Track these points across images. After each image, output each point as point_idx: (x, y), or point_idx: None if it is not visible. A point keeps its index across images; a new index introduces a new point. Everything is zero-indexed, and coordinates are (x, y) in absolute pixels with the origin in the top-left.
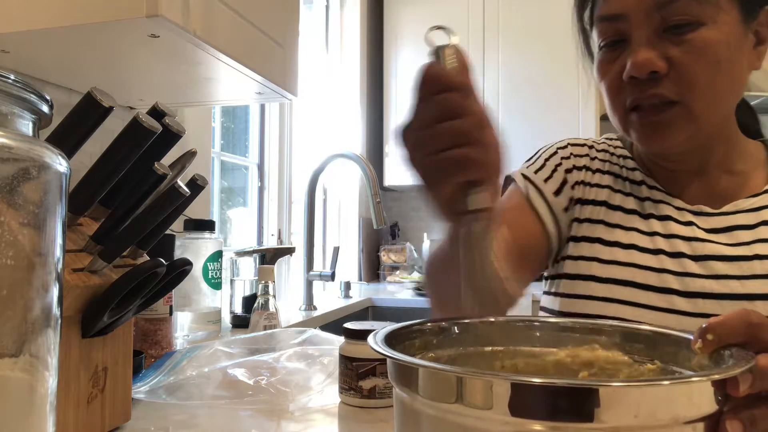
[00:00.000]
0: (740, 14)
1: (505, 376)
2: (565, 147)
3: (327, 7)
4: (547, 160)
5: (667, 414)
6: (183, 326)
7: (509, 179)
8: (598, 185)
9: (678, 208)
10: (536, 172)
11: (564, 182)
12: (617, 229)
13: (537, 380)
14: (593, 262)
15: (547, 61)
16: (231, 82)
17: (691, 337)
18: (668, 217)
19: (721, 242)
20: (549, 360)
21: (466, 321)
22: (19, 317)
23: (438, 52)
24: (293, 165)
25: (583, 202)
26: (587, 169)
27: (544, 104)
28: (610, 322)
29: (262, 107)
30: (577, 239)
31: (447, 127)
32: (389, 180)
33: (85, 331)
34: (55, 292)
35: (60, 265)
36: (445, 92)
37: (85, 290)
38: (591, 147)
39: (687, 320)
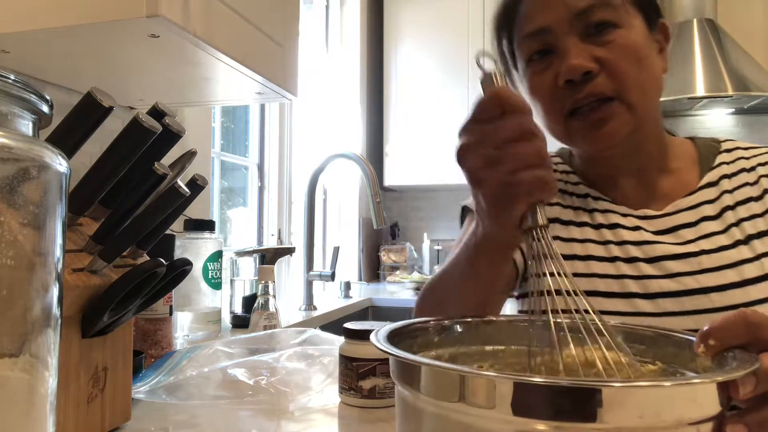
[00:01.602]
0: (644, 23)
1: (508, 375)
2: None
3: (327, 6)
4: None
5: (671, 415)
6: (183, 326)
7: (466, 209)
8: (548, 204)
9: (624, 215)
10: None
11: None
12: (573, 243)
13: (540, 380)
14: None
15: None
16: (231, 82)
17: (692, 338)
18: (617, 225)
19: (669, 242)
20: (549, 359)
21: (468, 320)
22: (19, 317)
23: (493, 76)
24: (293, 165)
25: None
26: None
27: None
28: (611, 322)
29: (262, 107)
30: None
31: (526, 148)
32: (389, 180)
33: (85, 331)
34: (55, 292)
35: (60, 265)
36: (516, 113)
37: (85, 290)
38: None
39: (651, 320)
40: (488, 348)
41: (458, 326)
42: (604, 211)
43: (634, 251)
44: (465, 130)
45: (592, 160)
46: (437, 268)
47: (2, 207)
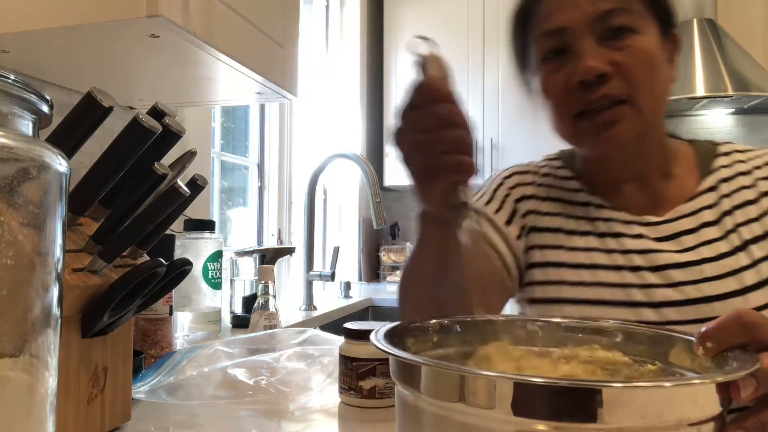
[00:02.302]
0: (659, 32)
1: (509, 375)
2: (510, 176)
3: (327, 6)
4: (495, 191)
5: (672, 416)
6: (183, 326)
7: None
8: (549, 213)
9: (626, 222)
10: (486, 204)
11: (514, 212)
12: (578, 252)
13: (540, 380)
14: (562, 286)
15: None
16: (231, 82)
17: (692, 338)
18: (620, 234)
19: (671, 250)
20: (549, 359)
21: (468, 320)
22: (20, 317)
23: (424, 61)
24: (293, 165)
25: (539, 230)
26: (535, 197)
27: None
28: (611, 322)
29: (262, 107)
30: (544, 265)
31: (447, 135)
32: (389, 180)
33: (85, 331)
34: (55, 292)
35: (60, 265)
36: (441, 102)
37: (85, 290)
38: (535, 173)
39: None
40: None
41: (458, 326)
42: (607, 220)
43: (638, 260)
44: (399, 115)
45: (596, 163)
46: None
47: (2, 207)
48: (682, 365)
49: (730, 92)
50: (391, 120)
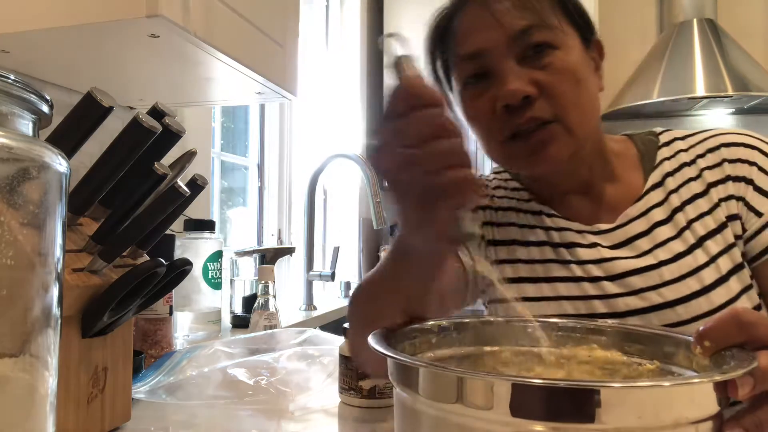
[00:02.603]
0: (580, 42)
1: (506, 376)
2: None
3: (327, 6)
4: None
5: (670, 415)
6: (183, 326)
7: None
8: (505, 224)
9: (579, 232)
10: None
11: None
12: (536, 265)
13: (538, 381)
14: (524, 302)
15: None
16: (231, 82)
17: (690, 338)
18: (573, 244)
19: (627, 256)
20: (550, 360)
21: (466, 321)
22: (20, 317)
23: (400, 62)
24: (293, 165)
25: (496, 243)
26: (490, 208)
27: None
28: (609, 322)
29: (262, 107)
30: (504, 281)
31: (440, 145)
32: None
33: (85, 331)
34: (55, 292)
35: (60, 265)
36: (428, 106)
37: (85, 290)
38: (486, 186)
39: None
40: (487, 349)
41: (456, 327)
42: (560, 229)
43: (596, 270)
44: (377, 130)
45: (537, 179)
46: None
47: (2, 207)
48: (681, 364)
49: (730, 92)
50: (368, 137)
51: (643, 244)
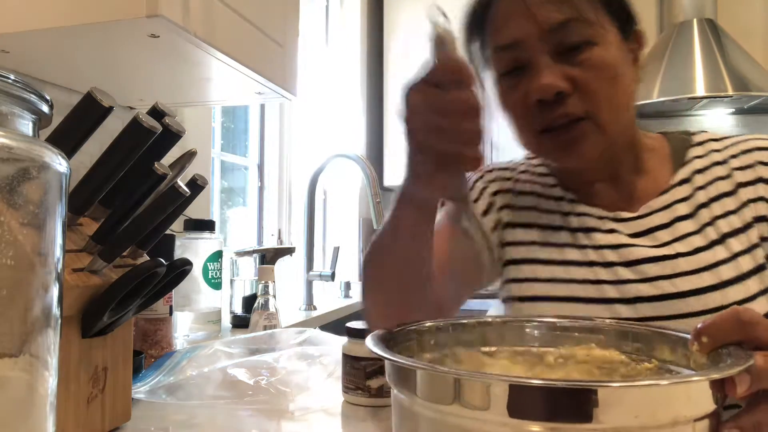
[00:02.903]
0: (619, 34)
1: (503, 377)
2: (490, 171)
3: (327, 6)
4: (474, 182)
5: (667, 414)
6: (183, 326)
7: None
8: (524, 207)
9: (599, 218)
10: None
11: (491, 204)
12: (551, 248)
13: (535, 381)
14: (535, 283)
15: None
16: (231, 81)
17: (688, 336)
18: (592, 229)
19: (645, 245)
20: (546, 360)
21: (463, 322)
22: (19, 317)
23: (442, 36)
24: (293, 165)
25: (514, 225)
26: (512, 192)
27: None
28: (607, 321)
29: (262, 107)
30: (518, 262)
31: (467, 124)
32: (389, 180)
33: (85, 331)
34: (55, 292)
35: (60, 265)
36: (465, 85)
37: (85, 290)
38: (513, 170)
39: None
40: (484, 349)
41: (453, 328)
42: (579, 215)
43: (611, 255)
44: (415, 90)
45: (566, 169)
46: None
47: (2, 207)
48: (678, 363)
49: (730, 92)
50: (402, 91)
51: (663, 235)
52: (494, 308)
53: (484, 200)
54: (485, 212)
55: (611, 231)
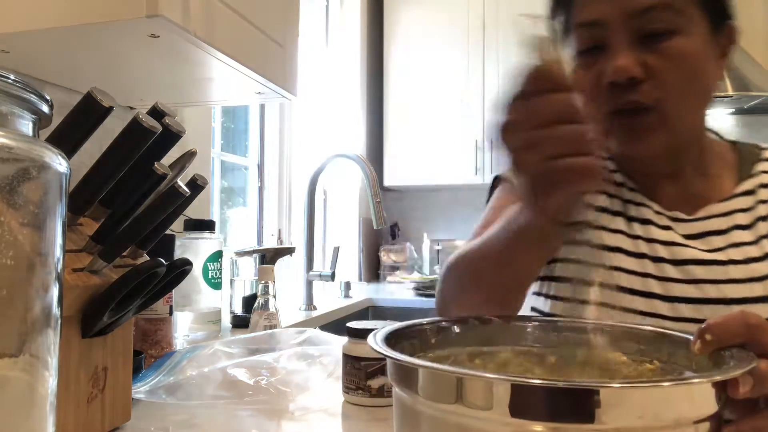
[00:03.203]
0: (709, 26)
1: (505, 376)
2: None
3: (327, 6)
4: None
5: (670, 415)
6: (183, 326)
7: (498, 179)
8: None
9: (657, 212)
10: None
11: None
12: (603, 232)
13: (537, 381)
14: (580, 265)
15: None
16: (231, 82)
17: (691, 337)
18: (649, 221)
19: (697, 248)
20: (547, 360)
21: (465, 321)
22: (19, 317)
23: (539, 43)
24: (293, 165)
25: None
26: None
27: None
28: (608, 321)
29: (262, 107)
30: (566, 242)
31: (567, 130)
32: (389, 180)
33: (85, 331)
34: (55, 292)
35: (60, 265)
36: (559, 91)
37: (85, 290)
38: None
39: (667, 324)
40: (485, 349)
41: (456, 327)
42: (638, 204)
43: (662, 251)
44: (510, 106)
45: (629, 157)
46: (438, 268)
47: (2, 207)
48: (681, 364)
49: (730, 92)
50: (494, 113)
51: (717, 241)
52: None
53: None
54: None
55: (666, 228)
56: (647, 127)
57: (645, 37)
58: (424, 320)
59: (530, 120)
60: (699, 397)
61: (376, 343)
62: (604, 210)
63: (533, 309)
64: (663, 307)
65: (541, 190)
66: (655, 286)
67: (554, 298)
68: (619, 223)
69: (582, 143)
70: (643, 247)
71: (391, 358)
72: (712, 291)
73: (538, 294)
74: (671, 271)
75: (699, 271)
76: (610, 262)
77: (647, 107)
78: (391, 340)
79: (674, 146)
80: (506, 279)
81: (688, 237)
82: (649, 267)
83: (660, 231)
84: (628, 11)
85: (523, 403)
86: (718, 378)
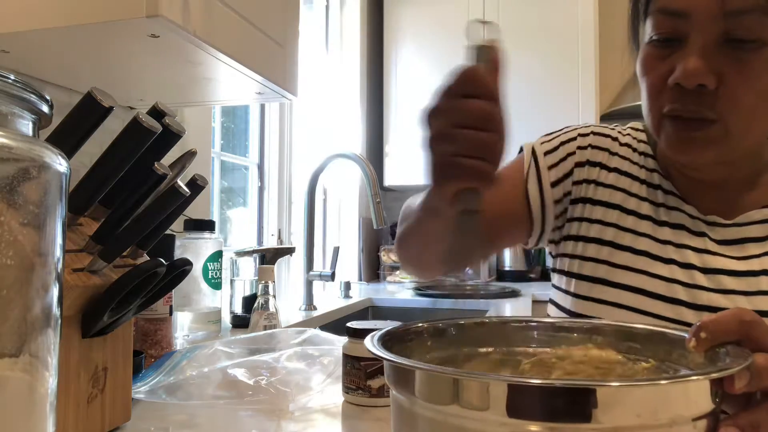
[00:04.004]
0: None
1: (502, 377)
2: (586, 135)
3: (327, 7)
4: (562, 143)
5: (668, 413)
6: (183, 326)
7: (520, 147)
8: (613, 186)
9: (692, 217)
10: (546, 153)
11: (568, 174)
12: (629, 234)
13: (534, 381)
14: (604, 266)
15: (547, 61)
16: (231, 82)
17: (685, 335)
18: (681, 226)
19: (731, 255)
20: (545, 360)
21: (462, 322)
22: (19, 317)
23: (478, 49)
24: (293, 165)
25: (594, 202)
26: (603, 167)
27: (544, 104)
28: (605, 321)
29: (262, 107)
30: (588, 240)
31: (475, 137)
32: (389, 180)
33: (85, 331)
34: (55, 292)
35: (60, 265)
36: (480, 98)
37: (85, 290)
38: (615, 139)
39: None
40: (482, 350)
41: (452, 329)
42: (672, 209)
43: (693, 258)
44: (438, 95)
45: (676, 161)
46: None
47: (2, 207)
48: (676, 362)
49: None
50: (429, 97)
51: (754, 248)
52: (494, 308)
53: (561, 168)
54: (555, 183)
55: (701, 234)
56: (705, 139)
57: (729, 41)
58: (421, 322)
59: (448, 116)
60: (696, 394)
61: (373, 345)
62: (632, 212)
63: (551, 301)
64: (689, 315)
65: (441, 176)
66: (681, 293)
67: (574, 295)
68: (647, 228)
69: (485, 150)
70: (671, 253)
71: (388, 360)
72: (742, 302)
73: (557, 288)
74: (701, 278)
75: (730, 282)
76: (635, 265)
77: (710, 119)
78: (388, 342)
79: (729, 159)
80: (429, 236)
81: (723, 243)
82: (677, 273)
83: (693, 237)
84: (717, 9)
85: (520, 403)
86: (715, 375)
